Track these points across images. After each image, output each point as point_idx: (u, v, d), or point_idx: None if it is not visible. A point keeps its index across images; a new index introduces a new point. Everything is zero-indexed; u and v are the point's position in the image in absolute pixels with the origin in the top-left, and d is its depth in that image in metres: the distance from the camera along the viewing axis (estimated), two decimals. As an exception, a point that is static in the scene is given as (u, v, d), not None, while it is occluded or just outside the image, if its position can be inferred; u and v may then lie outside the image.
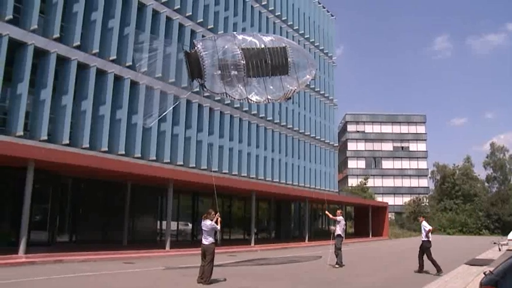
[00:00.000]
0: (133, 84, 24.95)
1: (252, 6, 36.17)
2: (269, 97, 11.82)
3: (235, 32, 11.39)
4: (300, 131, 41.96)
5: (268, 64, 11.82)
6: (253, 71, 11.69)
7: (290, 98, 12.16)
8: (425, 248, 15.22)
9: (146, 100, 21.84)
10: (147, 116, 10.27)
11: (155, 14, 26.97)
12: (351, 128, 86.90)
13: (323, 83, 47.04)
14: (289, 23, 41.65)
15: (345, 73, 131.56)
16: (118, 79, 24.22)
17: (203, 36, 28.69)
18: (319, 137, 45.28)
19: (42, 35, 20.64)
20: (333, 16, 51.64)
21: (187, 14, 29.37)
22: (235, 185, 26.92)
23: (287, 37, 39.82)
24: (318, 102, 45.64)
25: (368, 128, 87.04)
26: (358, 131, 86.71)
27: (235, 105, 33.31)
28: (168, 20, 27.88)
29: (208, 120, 30.72)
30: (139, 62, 9.95)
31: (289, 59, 12.06)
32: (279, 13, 40.19)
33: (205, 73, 10.98)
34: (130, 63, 24.38)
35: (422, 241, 15.37)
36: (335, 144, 49.39)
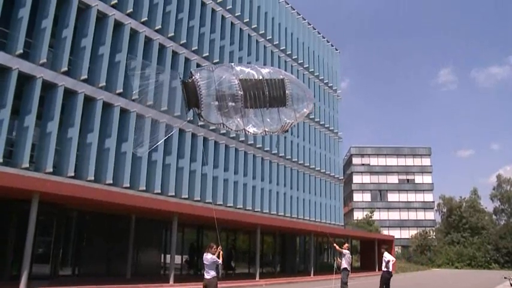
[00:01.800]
0: (139, 117, 24.96)
1: (249, 35, 36.08)
2: (266, 129, 11.51)
3: (232, 63, 11.19)
4: (305, 164, 41.67)
5: (266, 95, 11.52)
6: (250, 101, 11.37)
7: (287, 131, 11.88)
8: (384, 279, 15.92)
9: (138, 130, 21.67)
10: (139, 144, 9.96)
11: (147, 41, 26.61)
12: (356, 160, 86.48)
13: (327, 116, 47.08)
14: (293, 57, 42.01)
15: (350, 106, 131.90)
16: (124, 112, 24.22)
17: (198, 64, 28.55)
18: (324, 170, 44.95)
19: (51, 69, 20.80)
20: (337, 50, 52.11)
21: (181, 42, 29.01)
22: (240, 219, 26.56)
23: (291, 70, 40.14)
24: (322, 136, 45.53)
25: (373, 161, 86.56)
26: (363, 164, 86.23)
27: (241, 139, 33.19)
28: (161, 47, 27.58)
29: (213, 154, 30.54)
30: (136, 89, 9.78)
31: (287, 91, 11.74)
32: (284, 47, 40.58)
33: (202, 103, 10.73)
34: (137, 97, 24.40)
35: (383, 271, 16.06)
36: (340, 177, 48.98)
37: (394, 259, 15.66)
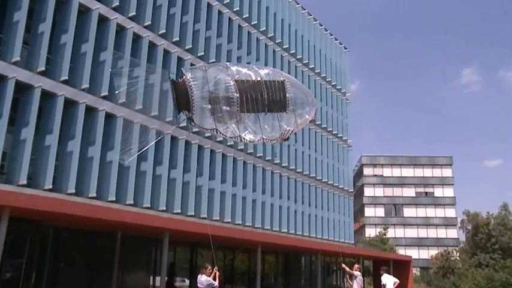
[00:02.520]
0: (126, 123, 24.92)
1: (249, 32, 36.19)
2: (264, 137, 11.40)
3: (228, 63, 11.12)
4: (311, 175, 41.60)
5: (264, 98, 11.43)
6: (247, 105, 11.31)
7: (287, 139, 11.78)
8: None
9: (125, 137, 21.64)
10: (124, 151, 9.85)
11: (136, 38, 26.59)
12: (367, 171, 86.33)
13: (335, 121, 47.15)
14: (297, 56, 42.09)
15: (360, 110, 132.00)
16: (109, 117, 24.20)
17: (192, 64, 28.56)
18: (331, 182, 44.86)
19: (25, 68, 20.76)
20: (346, 49, 52.31)
21: (173, 40, 29.02)
22: (238, 236, 26.44)
23: (295, 71, 40.16)
24: (330, 143, 45.52)
25: (387, 172, 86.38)
26: (375, 175, 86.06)
27: (239, 147, 33.15)
28: (151, 45, 27.60)
29: (209, 164, 30.45)
30: (119, 89, 9.64)
31: (287, 95, 11.65)
32: (287, 45, 40.63)
33: (193, 106, 10.63)
34: (123, 99, 24.40)
35: None
36: (350, 190, 48.91)
37: (397, 280, 15.43)
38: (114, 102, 24.22)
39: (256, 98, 11.85)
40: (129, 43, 25.86)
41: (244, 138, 11.75)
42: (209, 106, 11.59)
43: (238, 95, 11.73)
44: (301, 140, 40.97)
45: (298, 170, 39.81)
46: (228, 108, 11.62)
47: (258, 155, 35.06)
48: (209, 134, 28.21)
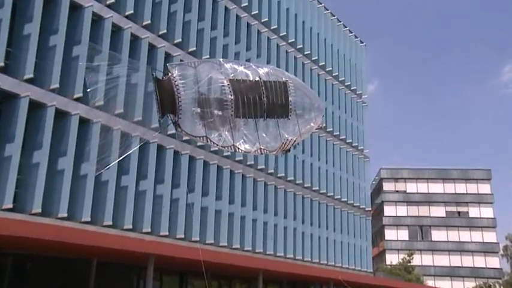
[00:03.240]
0: (104, 130, 24.93)
1: (248, 23, 36.37)
2: (262, 147, 11.46)
3: (222, 59, 11.18)
4: (321, 191, 41.64)
5: (263, 102, 11.48)
6: (243, 109, 11.37)
7: (288, 150, 11.83)
8: None
9: (104, 143, 21.52)
10: (100, 160, 9.93)
11: (116, 30, 26.67)
12: (388, 186, 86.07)
13: (350, 128, 47.35)
14: (305, 52, 42.29)
15: (379, 115, 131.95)
16: (84, 122, 24.27)
17: (182, 61, 28.20)
18: (345, 199, 44.90)
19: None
20: (362, 43, 52.46)
21: (160, 32, 29.17)
22: (236, 263, 26.48)
23: (302, 70, 40.40)
24: (343, 154, 45.66)
25: (411, 187, 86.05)
26: (397, 191, 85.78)
27: (237, 158, 33.23)
28: (134, 39, 27.70)
29: (202, 178, 30.49)
30: (92, 86, 9.64)
31: (290, 98, 11.73)
32: (293, 39, 40.78)
33: (180, 109, 10.73)
34: (102, 103, 24.44)
35: None
36: (367, 209, 48.97)
37: None
38: (89, 106, 24.27)
39: (253, 101, 11.89)
40: (108, 36, 25.95)
41: (239, 149, 11.82)
42: (198, 109, 11.65)
43: (232, 97, 11.82)
44: (310, 150, 41.04)
45: (305, 185, 39.86)
46: (220, 113, 11.69)
47: (259, 167, 35.13)
48: (202, 143, 28.18)
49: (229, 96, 11.36)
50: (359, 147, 48.57)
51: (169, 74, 11.34)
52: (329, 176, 43.44)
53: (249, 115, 11.67)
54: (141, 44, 28.05)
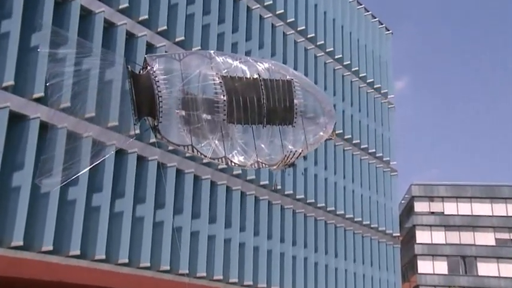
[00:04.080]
0: (71, 138, 24.79)
1: (248, 7, 36.36)
2: (260, 160, 11.44)
3: (212, 51, 11.11)
4: (337, 213, 41.46)
5: (262, 105, 11.45)
6: (238, 113, 11.31)
7: (293, 164, 11.73)
8: None
9: (69, 156, 21.26)
10: (46, 175, 9.84)
11: (86, 15, 26.52)
12: (420, 207, 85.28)
13: (373, 136, 47.18)
14: (318, 42, 42.12)
15: (410, 119, 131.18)
16: (46, 128, 23.97)
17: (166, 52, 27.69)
18: (367, 222, 44.68)
19: None
20: (388, 31, 52.32)
21: (140, 18, 28.90)
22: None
23: (314, 65, 40.35)
24: (365, 167, 45.48)
25: (450, 208, 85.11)
26: (433, 213, 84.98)
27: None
28: (109, 25, 27.54)
29: (193, 196, 30.31)
30: (53, 80, 9.49)
31: (295, 101, 11.74)
32: (303, 27, 40.51)
33: (160, 110, 10.66)
34: (68, 104, 24.29)
35: None
36: (395, 234, 48.74)
37: None
38: (55, 107, 24.11)
39: (251, 103, 11.83)
40: (75, 21, 25.63)
41: (231, 161, 11.75)
42: (183, 112, 11.59)
43: (225, 98, 11.77)
44: (324, 163, 40.91)
45: (319, 205, 39.69)
46: (210, 117, 11.63)
47: (261, 183, 34.91)
48: (190, 154, 28.03)
49: (222, 97, 11.29)
50: (384, 159, 48.22)
51: (149, 67, 11.25)
52: (347, 193, 43.25)
53: (245, 120, 11.59)
54: (117, 32, 27.82)
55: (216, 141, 11.21)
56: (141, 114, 10.65)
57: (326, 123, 12.42)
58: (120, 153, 26.46)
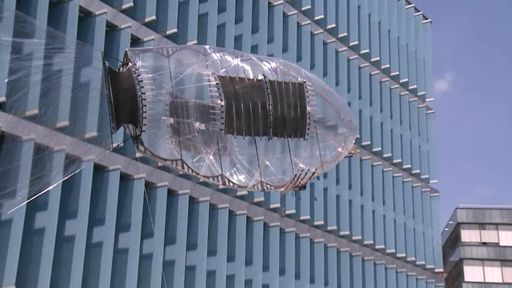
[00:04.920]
0: (39, 150, 24.90)
1: (284, 13, 36.63)
2: (264, 180, 11.45)
3: (208, 46, 11.09)
4: (365, 242, 41.33)
5: (268, 112, 11.57)
6: (238, 122, 11.48)
7: (304, 187, 11.66)
8: None
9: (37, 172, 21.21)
10: (6, 195, 9.86)
11: (57, 2, 26.68)
12: (469, 236, 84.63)
13: (408, 148, 47.08)
14: (339, 34, 41.93)
15: (452, 127, 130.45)
16: (8, 140, 24.15)
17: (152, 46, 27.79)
18: (403, 255, 44.60)
19: None
20: (426, 19, 52.29)
21: (124, 6, 28.99)
22: None
23: (335, 63, 40.14)
24: (399, 186, 45.31)
25: (506, 237, 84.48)
26: (485, 243, 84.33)
27: (239, 193, 33.02)
28: (86, 15, 27.68)
29: (188, 226, 30.37)
30: (15, 75, 9.41)
31: (308, 108, 11.76)
32: (321, 15, 40.41)
33: (144, 117, 10.63)
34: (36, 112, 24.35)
35: None
36: (437, 270, 48.55)
37: None
38: (15, 115, 24.15)
39: (254, 110, 11.81)
40: (44, 9, 25.82)
41: (229, 181, 11.70)
42: (171, 120, 11.57)
43: (223, 103, 11.80)
44: (347, 180, 40.85)
45: (342, 233, 39.58)
46: (204, 126, 11.61)
47: (271, 206, 34.87)
48: (180, 171, 27.96)
49: (219, 102, 11.23)
50: (422, 176, 47.98)
51: (130, 64, 11.09)
52: (378, 219, 43.04)
53: (247, 131, 11.51)
54: (94, 22, 27.97)
55: (211, 156, 11.13)
56: (119, 121, 10.54)
57: (345, 136, 12.26)
58: (100, 170, 26.49)
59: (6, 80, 9.49)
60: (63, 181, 22.99)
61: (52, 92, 10.57)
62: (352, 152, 12.67)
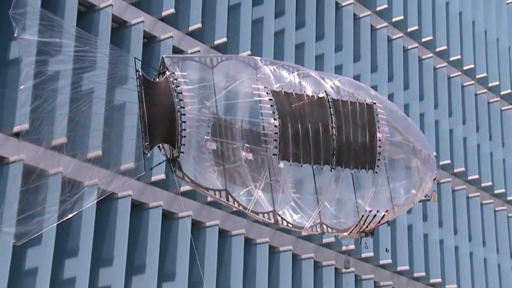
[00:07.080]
0: (36, 176, 24.90)
1: (355, 14, 36.48)
2: (325, 222, 10.64)
3: (259, 58, 10.19)
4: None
5: (331, 137, 10.63)
6: (295, 147, 10.57)
7: (372, 233, 10.85)
8: None
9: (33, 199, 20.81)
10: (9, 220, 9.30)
11: (88, 8, 26.39)
12: None
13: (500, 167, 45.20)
14: (409, 28, 42.04)
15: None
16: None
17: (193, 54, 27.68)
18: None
19: None
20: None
21: (164, 13, 28.06)
22: None
23: (417, 68, 38.94)
24: (489, 214, 43.44)
25: None
26: None
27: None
28: (121, 26, 27.18)
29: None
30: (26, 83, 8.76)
31: (378, 135, 10.96)
32: (400, 16, 40.31)
33: (183, 136, 9.78)
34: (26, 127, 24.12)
35: None
36: None
37: None
38: (4, 133, 23.81)
39: (314, 133, 10.86)
40: (72, 17, 25.23)
41: (282, 219, 10.78)
42: (213, 144, 10.61)
43: (278, 123, 10.84)
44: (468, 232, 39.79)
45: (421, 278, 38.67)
46: (253, 153, 10.55)
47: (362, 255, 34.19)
48: (222, 202, 26.66)
49: (272, 121, 10.34)
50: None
51: (168, 72, 10.27)
52: (461, 257, 42.27)
53: (305, 158, 10.59)
54: (131, 32, 27.42)
55: (260, 191, 10.24)
56: (153, 140, 9.64)
57: (421, 176, 11.32)
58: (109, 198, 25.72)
59: (21, 87, 8.72)
60: (95, 223, 22.84)
61: (49, 104, 10.09)
62: (431, 197, 11.80)
